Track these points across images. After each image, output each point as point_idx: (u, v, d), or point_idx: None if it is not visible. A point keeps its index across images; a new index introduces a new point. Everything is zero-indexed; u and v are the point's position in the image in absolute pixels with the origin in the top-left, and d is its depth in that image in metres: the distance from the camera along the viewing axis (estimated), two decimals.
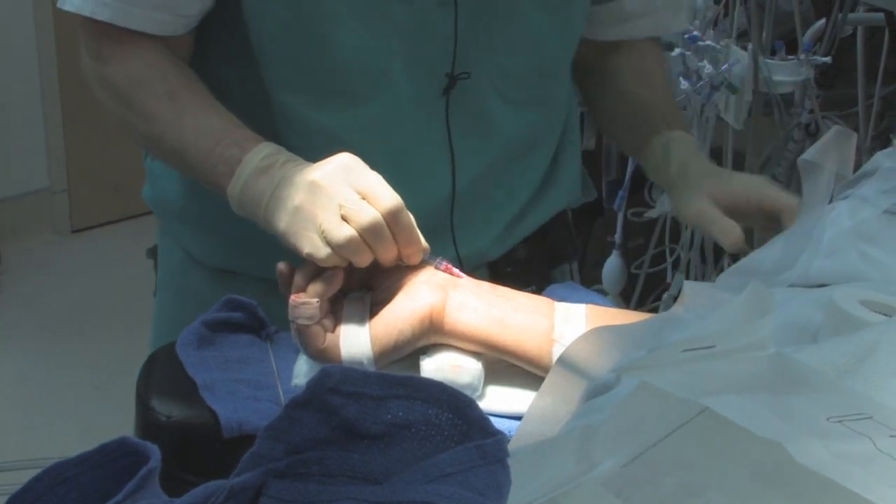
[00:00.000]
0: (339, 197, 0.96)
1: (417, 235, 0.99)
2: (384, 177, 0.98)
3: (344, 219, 0.95)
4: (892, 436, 0.56)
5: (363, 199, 0.96)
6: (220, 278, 1.26)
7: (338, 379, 0.54)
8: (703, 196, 1.16)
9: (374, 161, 1.00)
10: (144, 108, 1.13)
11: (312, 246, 0.96)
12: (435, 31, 1.14)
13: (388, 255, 0.98)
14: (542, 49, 1.22)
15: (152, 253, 1.42)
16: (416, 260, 1.00)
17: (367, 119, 1.16)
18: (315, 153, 1.03)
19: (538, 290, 1.12)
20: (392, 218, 0.96)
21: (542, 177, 1.33)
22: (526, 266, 1.33)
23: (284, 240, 0.99)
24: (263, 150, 1.05)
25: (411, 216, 0.98)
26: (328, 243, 0.95)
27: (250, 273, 1.22)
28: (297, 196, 0.98)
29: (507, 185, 1.28)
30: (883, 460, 0.54)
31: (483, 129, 1.22)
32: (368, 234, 0.95)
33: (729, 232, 1.12)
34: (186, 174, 1.14)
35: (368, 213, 0.95)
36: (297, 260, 0.99)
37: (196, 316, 1.04)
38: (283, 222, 0.99)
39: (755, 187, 1.17)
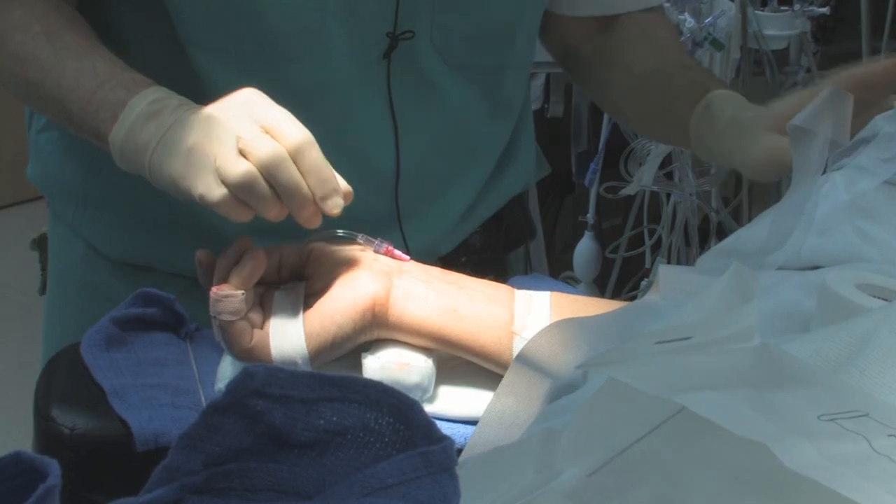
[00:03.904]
0: (238, 129, 0.93)
1: (331, 174, 0.94)
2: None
3: (242, 153, 0.93)
4: (890, 435, 0.56)
5: (266, 133, 0.93)
6: (129, 274, 1.24)
7: (262, 380, 0.54)
8: (767, 131, 1.11)
9: None
10: (19, 51, 1.10)
11: (205, 186, 0.93)
12: None
13: (300, 204, 0.94)
14: (490, 9, 1.22)
15: (38, 244, 1.38)
16: (334, 210, 0.95)
17: (299, 86, 1.15)
18: None
19: (496, 279, 1.12)
20: (298, 153, 0.93)
21: (500, 154, 1.33)
22: (481, 255, 1.33)
23: (176, 189, 0.96)
24: (153, 94, 1.02)
25: (322, 155, 0.94)
26: (223, 182, 0.92)
27: (164, 268, 1.21)
28: (191, 136, 0.95)
29: (460, 164, 1.28)
30: (880, 462, 0.54)
31: (428, 97, 1.22)
32: (270, 171, 0.92)
33: None
34: (68, 126, 1.11)
35: (268, 145, 0.92)
36: (220, 249, 0.98)
37: (102, 317, 1.03)
38: (175, 167, 0.96)
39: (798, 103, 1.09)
